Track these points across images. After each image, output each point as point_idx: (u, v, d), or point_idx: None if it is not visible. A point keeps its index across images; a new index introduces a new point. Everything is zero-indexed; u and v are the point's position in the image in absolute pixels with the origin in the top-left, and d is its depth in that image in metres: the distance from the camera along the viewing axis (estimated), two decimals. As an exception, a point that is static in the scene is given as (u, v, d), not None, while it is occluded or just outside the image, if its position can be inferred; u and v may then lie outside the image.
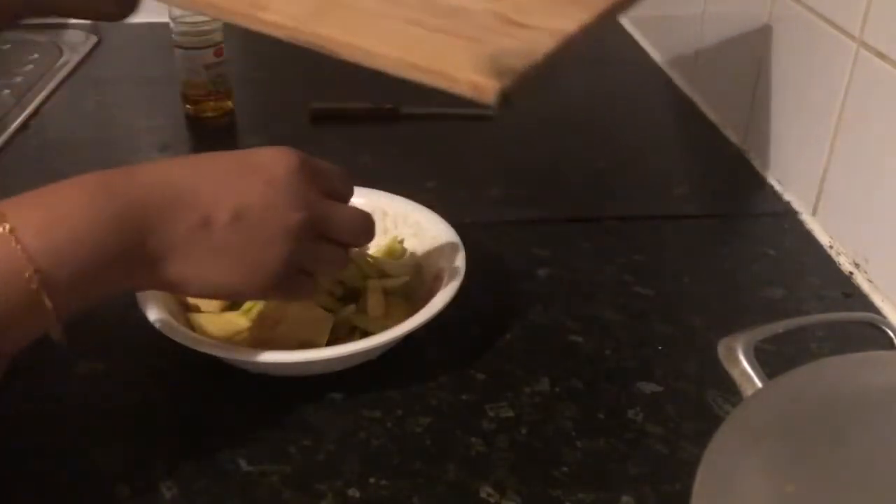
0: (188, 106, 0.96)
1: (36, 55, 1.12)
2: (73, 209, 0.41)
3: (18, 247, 0.39)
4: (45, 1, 0.51)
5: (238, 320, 0.60)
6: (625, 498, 0.50)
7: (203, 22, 0.92)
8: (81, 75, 1.08)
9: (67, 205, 0.41)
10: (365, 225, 0.53)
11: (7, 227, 0.39)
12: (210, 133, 0.95)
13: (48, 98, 1.00)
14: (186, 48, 0.93)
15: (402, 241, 0.68)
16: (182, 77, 0.95)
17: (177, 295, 0.60)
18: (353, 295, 0.62)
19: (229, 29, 0.95)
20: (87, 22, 1.23)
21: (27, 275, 0.39)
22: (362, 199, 0.69)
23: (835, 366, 0.47)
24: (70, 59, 1.11)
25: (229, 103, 0.97)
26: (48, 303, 0.40)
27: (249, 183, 0.46)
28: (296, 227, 0.47)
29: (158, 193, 0.44)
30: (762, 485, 0.38)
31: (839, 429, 0.41)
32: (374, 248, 0.68)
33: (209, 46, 0.93)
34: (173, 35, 0.93)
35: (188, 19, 0.91)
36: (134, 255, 0.43)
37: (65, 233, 0.40)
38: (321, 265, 0.51)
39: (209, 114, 0.96)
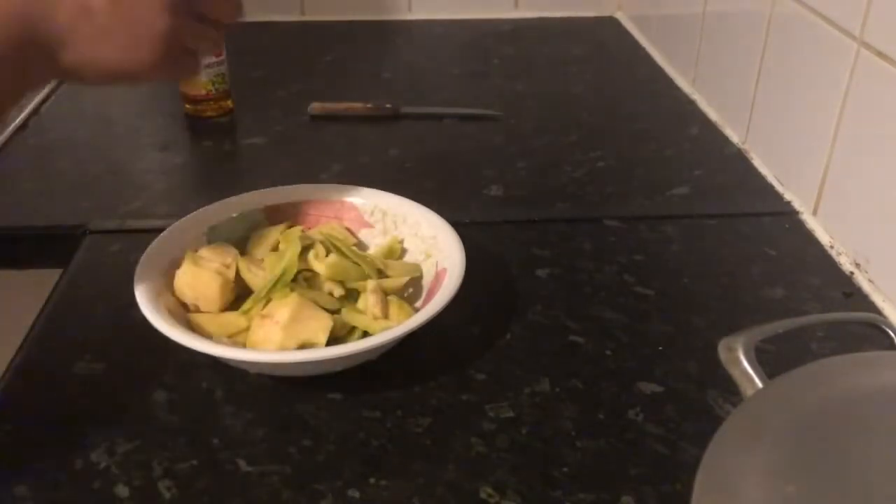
0: (188, 106, 0.96)
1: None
2: None
3: None
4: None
5: (238, 320, 0.60)
6: (625, 498, 0.50)
7: None
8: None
9: None
10: (235, 2, 0.56)
11: None
12: (210, 133, 0.95)
13: (48, 98, 1.00)
14: (186, 48, 0.92)
15: (402, 241, 0.68)
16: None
17: (181, 300, 0.60)
18: (353, 295, 0.62)
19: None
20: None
21: None
22: (362, 199, 0.70)
23: (835, 366, 0.47)
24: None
25: (229, 103, 0.97)
26: None
27: None
28: (169, 2, 0.49)
29: None
30: (762, 485, 0.38)
31: (839, 429, 0.41)
32: (374, 248, 0.68)
33: None
34: (173, 35, 0.92)
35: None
36: (27, 53, 0.46)
37: None
38: (199, 41, 0.54)
39: (209, 114, 0.96)
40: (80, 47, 0.47)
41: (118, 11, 0.47)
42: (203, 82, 0.94)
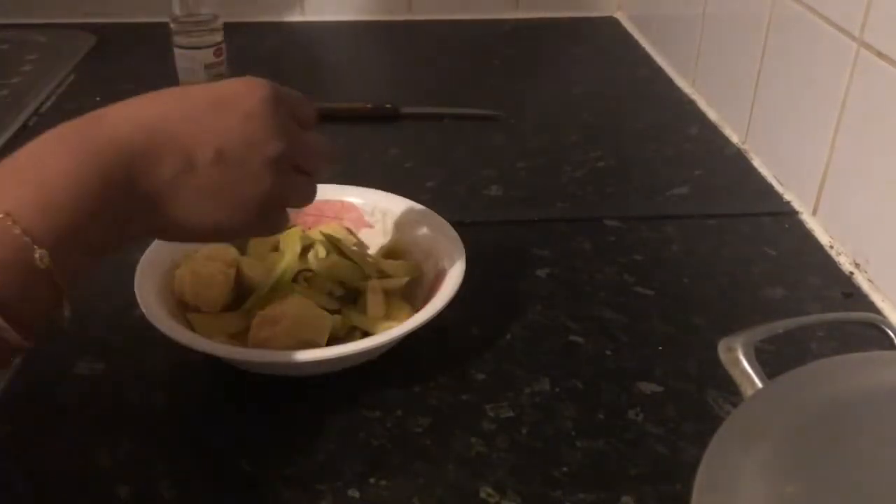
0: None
1: (35, 55, 1.12)
2: (62, 179, 0.40)
3: (19, 230, 0.37)
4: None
5: (238, 320, 0.60)
6: (625, 498, 0.50)
7: (203, 22, 0.92)
8: (81, 75, 1.08)
9: (55, 175, 0.40)
10: (331, 153, 0.53)
11: (2, 213, 0.38)
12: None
13: (48, 98, 1.00)
14: (186, 48, 0.93)
15: (402, 242, 0.68)
16: (182, 77, 0.95)
17: (181, 300, 0.60)
18: (353, 295, 0.62)
19: (229, 29, 0.95)
20: (87, 21, 1.23)
21: (37, 256, 0.38)
22: (362, 199, 0.70)
23: (835, 366, 0.47)
24: (70, 59, 1.11)
25: None
26: (59, 276, 0.39)
27: (226, 118, 0.46)
28: (277, 158, 0.47)
29: (139, 141, 0.43)
30: (762, 485, 0.38)
31: (839, 429, 0.41)
32: (374, 248, 0.68)
33: (209, 46, 0.93)
34: (173, 35, 0.93)
35: (188, 19, 0.91)
36: (127, 208, 0.43)
37: (62, 205, 0.40)
38: (296, 196, 0.51)
39: None
40: (180, 203, 0.44)
41: (225, 168, 0.45)
42: (203, 82, 0.94)
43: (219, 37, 0.93)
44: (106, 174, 0.41)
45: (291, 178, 0.49)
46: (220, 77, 0.95)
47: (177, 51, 0.93)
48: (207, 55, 0.93)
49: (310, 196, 0.52)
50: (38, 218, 0.38)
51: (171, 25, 0.92)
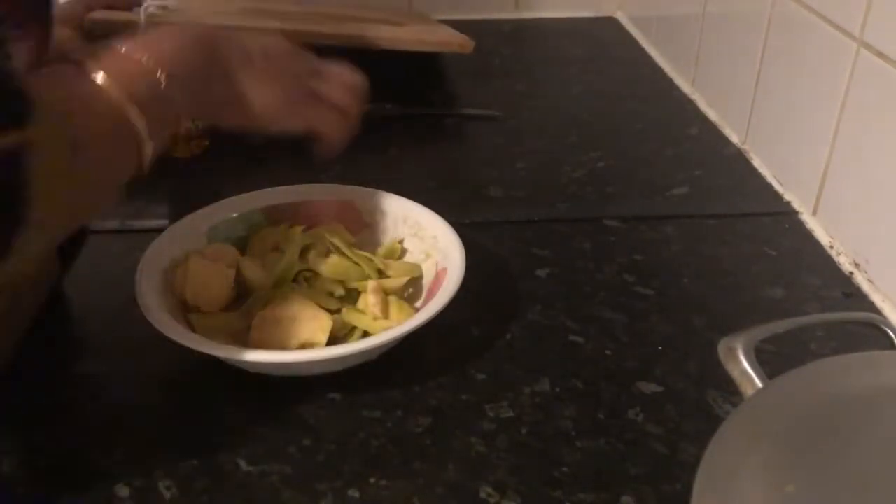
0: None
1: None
2: (169, 42, 0.53)
3: (147, 61, 0.50)
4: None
5: (238, 320, 0.60)
6: (625, 498, 0.50)
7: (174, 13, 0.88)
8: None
9: (167, 41, 0.53)
10: (353, 80, 0.66)
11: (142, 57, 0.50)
12: (177, 175, 0.94)
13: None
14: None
15: (402, 241, 0.68)
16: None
17: (181, 300, 0.60)
18: (353, 295, 0.62)
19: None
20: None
21: (159, 76, 0.50)
22: (362, 199, 0.70)
23: (835, 366, 0.47)
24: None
25: (205, 142, 0.90)
26: (178, 98, 0.51)
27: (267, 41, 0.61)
28: (299, 57, 0.62)
29: (217, 35, 0.57)
30: (762, 485, 0.38)
31: (839, 429, 0.41)
32: (374, 248, 0.68)
33: None
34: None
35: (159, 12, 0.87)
36: (210, 71, 0.55)
37: (173, 53, 0.52)
38: (332, 88, 0.64)
39: (177, 154, 0.88)
40: (238, 78, 0.56)
41: (265, 65, 0.58)
42: None
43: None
44: (200, 39, 0.55)
45: (314, 83, 0.62)
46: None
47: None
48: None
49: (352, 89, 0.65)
50: (159, 58, 0.50)
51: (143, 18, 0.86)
